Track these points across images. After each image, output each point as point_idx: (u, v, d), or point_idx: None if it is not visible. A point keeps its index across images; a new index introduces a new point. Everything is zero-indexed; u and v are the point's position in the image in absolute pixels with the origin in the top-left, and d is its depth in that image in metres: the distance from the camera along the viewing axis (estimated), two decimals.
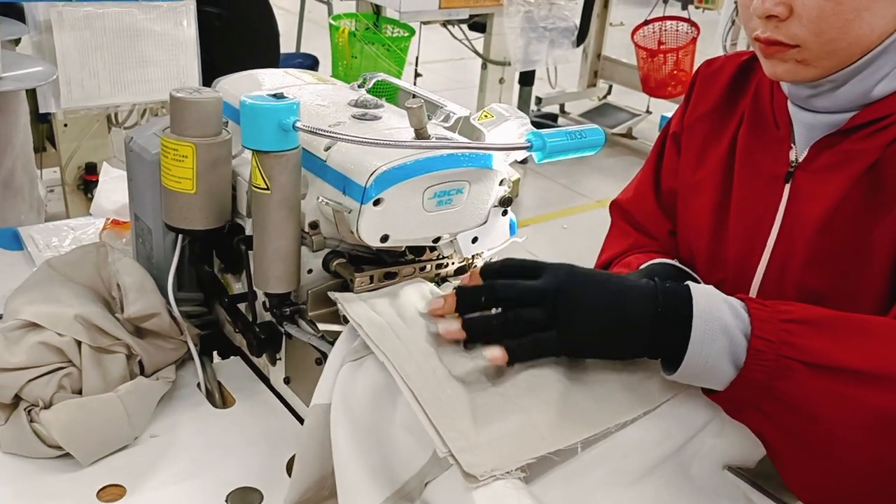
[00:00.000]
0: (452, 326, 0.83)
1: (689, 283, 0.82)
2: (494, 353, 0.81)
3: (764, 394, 0.78)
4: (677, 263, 1.15)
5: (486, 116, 0.99)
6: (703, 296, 0.80)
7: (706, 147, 1.16)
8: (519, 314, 0.81)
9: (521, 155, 0.95)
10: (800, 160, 1.04)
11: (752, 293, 1.07)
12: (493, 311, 0.84)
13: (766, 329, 0.78)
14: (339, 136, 0.87)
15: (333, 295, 0.93)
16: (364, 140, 0.86)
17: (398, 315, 0.87)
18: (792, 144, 1.05)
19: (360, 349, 0.85)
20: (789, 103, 1.06)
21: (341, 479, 0.80)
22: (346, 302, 0.90)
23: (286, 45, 3.60)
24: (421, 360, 0.81)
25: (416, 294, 0.93)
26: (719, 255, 1.12)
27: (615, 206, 1.31)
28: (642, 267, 1.11)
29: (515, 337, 0.81)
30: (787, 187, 1.05)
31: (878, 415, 0.75)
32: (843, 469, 0.78)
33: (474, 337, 0.83)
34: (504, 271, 0.85)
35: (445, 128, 0.99)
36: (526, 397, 0.79)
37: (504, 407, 0.79)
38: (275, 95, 0.87)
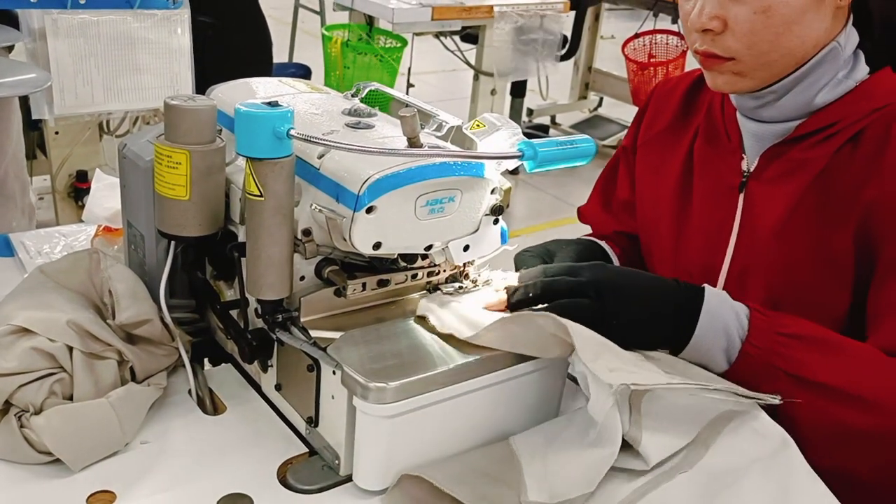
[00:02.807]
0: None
1: (706, 285, 0.95)
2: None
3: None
4: (599, 241, 1.24)
5: (477, 126, 1.00)
6: (714, 296, 0.93)
7: (663, 162, 1.19)
8: (565, 305, 0.91)
9: (512, 164, 0.96)
10: (751, 170, 1.06)
11: None
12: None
13: (760, 338, 0.90)
14: (332, 143, 0.88)
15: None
16: (357, 148, 0.87)
17: None
18: (743, 155, 1.07)
19: None
20: (738, 114, 1.08)
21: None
22: None
23: (279, 56, 3.60)
24: None
25: None
26: (683, 266, 1.15)
27: (579, 212, 1.41)
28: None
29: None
30: (742, 197, 1.07)
31: (844, 428, 0.89)
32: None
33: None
34: (547, 272, 0.96)
35: (438, 137, 1.00)
36: None
37: None
38: (269, 103, 0.88)
